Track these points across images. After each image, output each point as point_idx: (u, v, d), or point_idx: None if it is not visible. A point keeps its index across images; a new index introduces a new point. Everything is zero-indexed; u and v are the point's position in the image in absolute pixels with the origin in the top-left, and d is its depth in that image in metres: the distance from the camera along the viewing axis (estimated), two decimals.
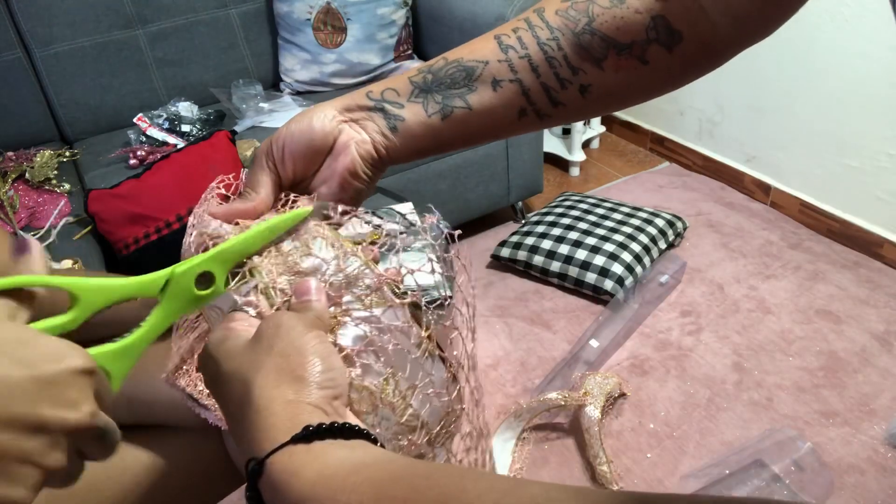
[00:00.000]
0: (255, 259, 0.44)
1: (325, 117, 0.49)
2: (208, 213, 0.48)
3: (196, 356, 0.56)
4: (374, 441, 0.35)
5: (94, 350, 0.38)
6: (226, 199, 0.51)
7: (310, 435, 0.33)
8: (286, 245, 0.46)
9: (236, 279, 0.44)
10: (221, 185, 0.52)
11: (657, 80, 0.49)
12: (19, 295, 0.33)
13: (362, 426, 0.36)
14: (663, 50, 0.47)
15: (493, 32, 0.49)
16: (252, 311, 0.42)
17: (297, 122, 0.49)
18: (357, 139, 0.49)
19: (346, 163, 0.48)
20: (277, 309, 0.42)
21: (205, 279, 0.43)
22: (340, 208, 0.49)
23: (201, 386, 0.59)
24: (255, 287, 0.43)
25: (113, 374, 0.39)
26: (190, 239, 0.47)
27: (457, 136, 0.50)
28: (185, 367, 0.60)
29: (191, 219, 0.49)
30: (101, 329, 0.80)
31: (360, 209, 0.50)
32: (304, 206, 0.48)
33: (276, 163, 0.49)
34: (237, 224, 0.47)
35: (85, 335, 0.41)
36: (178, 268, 0.42)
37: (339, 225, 0.49)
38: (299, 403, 0.35)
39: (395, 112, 0.49)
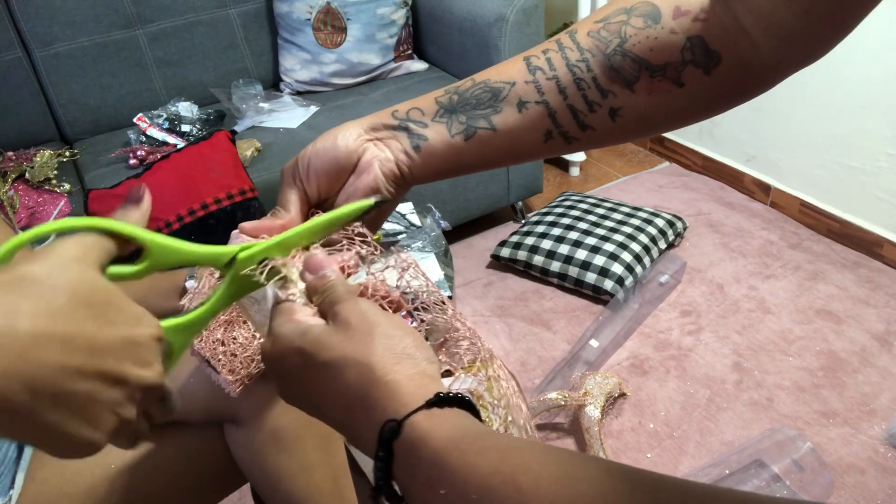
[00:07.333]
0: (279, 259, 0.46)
1: (349, 136, 0.49)
2: (239, 226, 0.49)
3: (234, 336, 0.65)
4: (479, 417, 0.39)
5: (163, 323, 0.40)
6: None
7: (440, 401, 0.37)
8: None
9: (269, 273, 0.44)
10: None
11: (693, 103, 0.47)
12: (112, 235, 0.37)
13: (475, 401, 0.40)
14: (700, 72, 0.45)
15: (525, 54, 0.49)
16: (300, 300, 0.43)
17: (323, 140, 0.49)
18: (381, 157, 0.49)
19: (368, 181, 0.49)
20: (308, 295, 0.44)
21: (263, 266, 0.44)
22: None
23: (220, 350, 0.66)
24: (285, 278, 0.44)
25: (175, 347, 0.41)
26: None
27: (480, 157, 0.50)
28: (204, 332, 0.65)
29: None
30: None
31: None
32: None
33: (302, 181, 0.49)
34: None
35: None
36: (242, 251, 0.43)
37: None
38: (422, 375, 0.39)
39: (419, 131, 0.49)
